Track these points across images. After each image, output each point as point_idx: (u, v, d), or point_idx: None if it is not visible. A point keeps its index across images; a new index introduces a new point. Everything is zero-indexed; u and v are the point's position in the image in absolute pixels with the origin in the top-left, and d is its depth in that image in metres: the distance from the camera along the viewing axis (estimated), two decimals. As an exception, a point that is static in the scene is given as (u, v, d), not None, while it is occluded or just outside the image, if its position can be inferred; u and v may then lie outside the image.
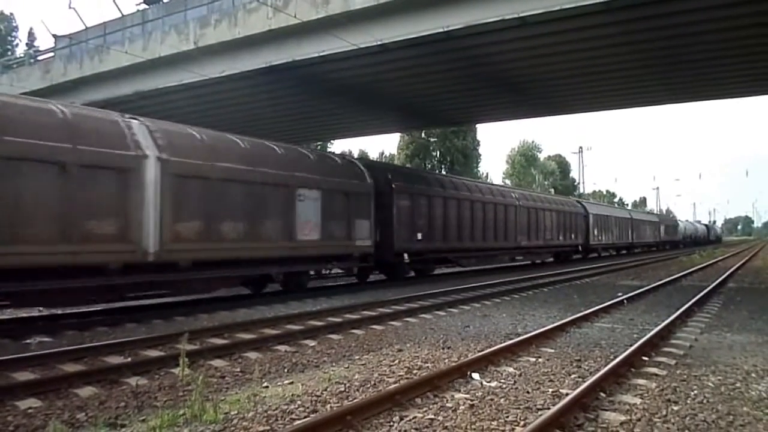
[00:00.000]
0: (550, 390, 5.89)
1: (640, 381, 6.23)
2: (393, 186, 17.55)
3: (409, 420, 4.95)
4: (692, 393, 5.79)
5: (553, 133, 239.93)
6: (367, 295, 14.55)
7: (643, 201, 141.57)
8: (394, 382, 6.18)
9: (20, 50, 53.01)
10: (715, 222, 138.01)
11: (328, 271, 16.93)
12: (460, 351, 7.85)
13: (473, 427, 4.79)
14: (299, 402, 5.45)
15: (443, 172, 48.05)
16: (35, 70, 23.74)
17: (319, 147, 49.24)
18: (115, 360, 7.37)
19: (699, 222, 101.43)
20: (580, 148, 69.19)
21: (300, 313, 11.29)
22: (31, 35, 58.58)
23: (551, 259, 31.72)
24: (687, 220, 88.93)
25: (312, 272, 15.67)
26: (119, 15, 23.29)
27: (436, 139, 55.70)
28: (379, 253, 16.77)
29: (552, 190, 71.26)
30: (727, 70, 19.20)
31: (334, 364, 7.21)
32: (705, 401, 5.53)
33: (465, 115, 28.26)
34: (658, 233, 53.40)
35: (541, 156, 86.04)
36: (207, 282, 12.22)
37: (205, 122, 17.75)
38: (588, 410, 5.17)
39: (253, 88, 20.14)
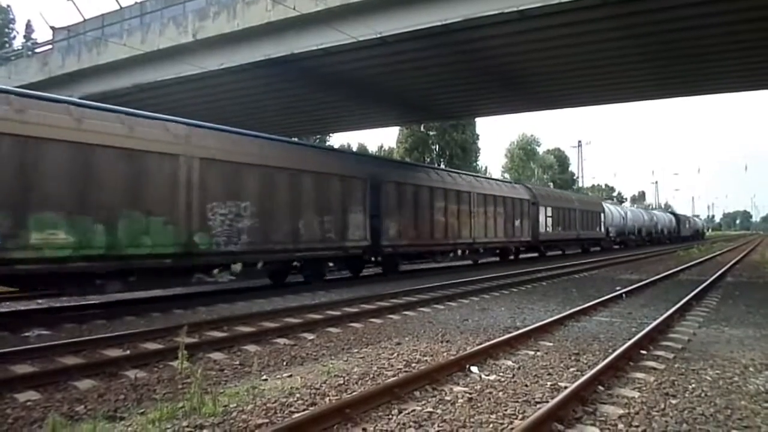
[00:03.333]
0: (549, 383, 5.90)
1: (639, 374, 6.24)
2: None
3: (408, 413, 4.95)
4: (690, 387, 5.81)
5: (553, 127, 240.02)
6: (365, 289, 14.57)
7: (642, 195, 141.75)
8: (393, 376, 6.19)
9: (18, 42, 52.73)
10: (713, 216, 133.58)
11: None
12: (459, 344, 7.86)
13: (472, 420, 4.80)
14: (298, 395, 5.46)
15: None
16: (33, 63, 23.62)
17: (317, 140, 49.25)
18: (114, 353, 7.38)
19: (654, 208, 79.02)
20: (579, 142, 69.58)
21: (299, 306, 11.30)
22: (28, 27, 58.00)
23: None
24: (631, 206, 63.29)
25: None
26: (118, 7, 23.16)
27: (435, 133, 55.66)
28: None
29: (551, 184, 71.25)
30: (726, 64, 19.15)
31: (333, 357, 7.22)
32: (703, 395, 5.54)
33: (464, 108, 28.17)
34: (530, 225, 27.14)
35: (540, 150, 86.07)
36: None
37: (204, 115, 17.70)
38: (586, 403, 5.18)
39: (252, 81, 20.06)
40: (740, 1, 13.76)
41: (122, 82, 20.61)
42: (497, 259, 26.59)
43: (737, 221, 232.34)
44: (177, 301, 11.91)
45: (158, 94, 21.26)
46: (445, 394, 5.53)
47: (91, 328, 9.23)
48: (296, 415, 4.84)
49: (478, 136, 59.62)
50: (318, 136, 48.88)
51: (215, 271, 12.46)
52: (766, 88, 24.08)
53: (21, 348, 7.32)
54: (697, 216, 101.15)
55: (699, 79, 21.40)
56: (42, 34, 73.00)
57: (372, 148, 67.88)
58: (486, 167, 74.33)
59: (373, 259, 18.14)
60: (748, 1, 13.70)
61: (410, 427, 4.66)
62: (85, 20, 23.58)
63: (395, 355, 7.23)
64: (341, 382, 5.95)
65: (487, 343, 7.40)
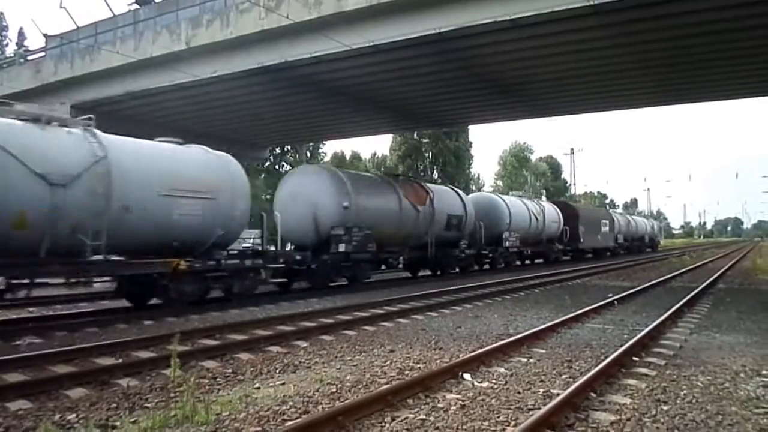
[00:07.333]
0: (541, 390, 5.91)
1: (630, 381, 6.26)
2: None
3: (401, 420, 4.95)
4: (682, 393, 5.83)
5: (545, 135, 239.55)
6: (359, 297, 14.55)
7: (634, 202, 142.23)
8: (386, 383, 6.18)
9: (10, 50, 52.62)
10: (705, 223, 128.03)
11: None
12: (452, 352, 7.86)
13: (464, 427, 4.80)
14: (291, 403, 5.45)
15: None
16: (25, 70, 23.59)
17: (311, 148, 49.25)
18: (106, 361, 7.34)
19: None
20: (572, 149, 69.62)
21: (292, 314, 11.28)
22: (21, 35, 58.08)
23: None
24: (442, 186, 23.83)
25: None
26: (111, 15, 23.18)
27: (428, 140, 55.74)
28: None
29: (543, 191, 71.46)
30: (718, 72, 19.34)
31: (325, 364, 7.20)
32: (694, 401, 5.57)
33: (457, 116, 28.31)
34: None
35: (533, 157, 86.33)
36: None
37: (197, 123, 17.69)
38: (578, 410, 5.20)
39: (246, 88, 20.10)
40: (729, 11, 13.90)
41: (115, 90, 20.61)
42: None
43: (729, 228, 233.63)
44: (169, 309, 11.86)
45: (151, 102, 21.27)
46: (438, 401, 5.53)
47: (82, 337, 9.17)
48: (289, 423, 4.82)
49: (471, 143, 59.73)
50: (311, 144, 48.88)
51: None
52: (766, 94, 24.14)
53: (12, 356, 7.27)
54: (647, 216, 72.71)
55: (693, 87, 21.60)
56: (35, 42, 73.01)
57: (365, 155, 67.92)
58: (479, 174, 74.56)
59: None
60: (738, 11, 13.83)
61: (403, 434, 4.66)
62: (78, 28, 23.59)
63: (388, 362, 7.23)
64: (334, 389, 5.94)
65: (480, 351, 7.41)
